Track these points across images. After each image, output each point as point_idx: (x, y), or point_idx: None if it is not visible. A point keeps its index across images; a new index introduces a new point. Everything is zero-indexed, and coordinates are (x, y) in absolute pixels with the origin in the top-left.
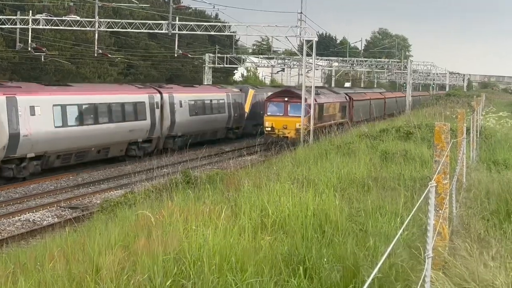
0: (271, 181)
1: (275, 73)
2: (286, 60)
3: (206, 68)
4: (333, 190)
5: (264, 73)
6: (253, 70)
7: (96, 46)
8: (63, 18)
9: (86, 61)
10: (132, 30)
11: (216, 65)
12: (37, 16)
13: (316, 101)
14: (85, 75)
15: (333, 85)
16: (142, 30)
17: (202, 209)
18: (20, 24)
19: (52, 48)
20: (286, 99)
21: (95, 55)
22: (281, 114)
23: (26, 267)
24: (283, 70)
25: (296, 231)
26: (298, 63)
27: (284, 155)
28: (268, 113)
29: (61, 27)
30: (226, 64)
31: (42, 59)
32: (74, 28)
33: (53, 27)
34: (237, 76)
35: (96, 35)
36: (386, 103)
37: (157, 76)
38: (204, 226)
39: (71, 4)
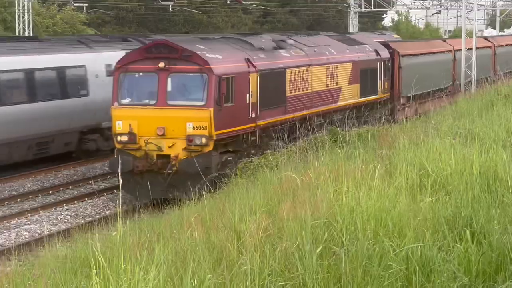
0: (430, 136)
1: (430, 16)
2: (442, 1)
3: (352, 13)
4: (501, 145)
5: (417, 17)
6: (404, 13)
7: None
8: None
9: (217, 10)
10: None
11: (363, 9)
12: None
13: (254, 66)
14: (217, 25)
15: (497, 28)
16: None
17: (353, 169)
18: None
19: None
20: (162, 64)
21: (228, 2)
22: (152, 102)
23: (162, 235)
24: (439, 12)
25: (460, 191)
26: (456, 4)
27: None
28: (122, 101)
29: None
30: (374, 8)
31: (170, 9)
32: None
33: None
34: (387, 21)
35: None
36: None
37: (296, 24)
38: (356, 188)
39: None
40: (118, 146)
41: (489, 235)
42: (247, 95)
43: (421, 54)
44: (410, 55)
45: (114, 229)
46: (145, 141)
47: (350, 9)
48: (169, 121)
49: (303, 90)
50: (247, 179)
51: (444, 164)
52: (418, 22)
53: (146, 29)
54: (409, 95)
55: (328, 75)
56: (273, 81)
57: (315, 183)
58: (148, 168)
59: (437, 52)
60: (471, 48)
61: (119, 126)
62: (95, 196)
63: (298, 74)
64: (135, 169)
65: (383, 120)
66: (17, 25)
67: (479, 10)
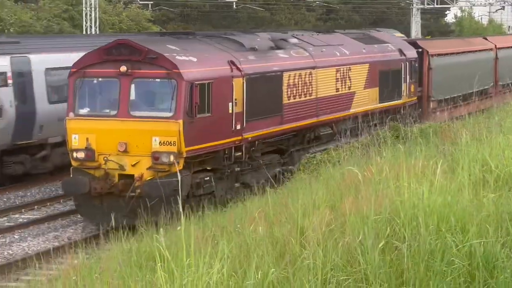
0: (493, 132)
1: (493, 12)
2: None
3: (414, 9)
4: None
5: (480, 13)
6: (467, 10)
7: None
8: None
9: (281, 7)
10: None
11: (426, 5)
12: None
13: (239, 70)
14: (280, 22)
15: None
16: None
17: (414, 164)
18: None
19: None
20: (124, 67)
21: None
22: (113, 113)
23: (226, 230)
24: (502, 8)
25: None
26: None
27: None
28: (79, 111)
29: None
30: (437, 4)
31: (234, 6)
32: None
33: None
34: (450, 18)
35: None
36: None
37: (359, 21)
38: (418, 183)
39: None
40: (74, 164)
41: None
42: (230, 103)
43: (455, 53)
44: (442, 54)
45: (179, 224)
46: (105, 158)
47: (412, 5)
48: (132, 135)
49: (305, 97)
50: (310, 174)
51: (507, 160)
52: (481, 19)
53: (210, 26)
54: (440, 98)
55: (338, 79)
56: (265, 86)
57: (377, 178)
58: (108, 190)
59: (475, 51)
60: None
61: (75, 140)
62: None
63: (298, 78)
64: (93, 191)
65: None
66: (84, 22)
67: None
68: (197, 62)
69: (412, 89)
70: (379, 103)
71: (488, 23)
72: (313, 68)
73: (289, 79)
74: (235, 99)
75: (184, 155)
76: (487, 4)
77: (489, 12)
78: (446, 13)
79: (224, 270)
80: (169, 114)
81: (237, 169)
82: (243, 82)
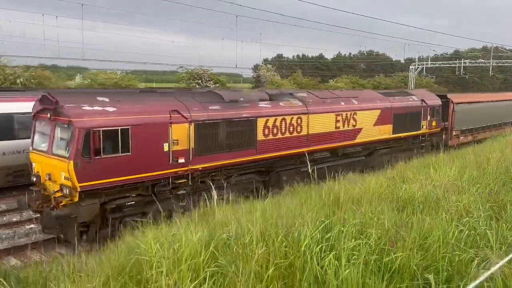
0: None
1: None
2: None
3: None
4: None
5: None
6: None
7: (490, 72)
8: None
9: (485, 77)
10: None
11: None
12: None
13: (185, 118)
14: (485, 85)
15: None
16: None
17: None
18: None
19: (471, 72)
20: (48, 115)
21: (490, 75)
22: (46, 149)
23: (433, 166)
24: None
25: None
26: None
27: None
28: (33, 146)
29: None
30: None
31: (467, 78)
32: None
33: (441, 66)
34: None
35: (491, 69)
36: None
37: (488, 85)
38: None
39: (480, 54)
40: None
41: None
42: (165, 143)
43: (474, 102)
44: (463, 102)
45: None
46: (43, 183)
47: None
48: (53, 169)
49: (291, 134)
50: (448, 154)
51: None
52: None
53: (461, 88)
54: (462, 129)
55: (339, 120)
56: (229, 128)
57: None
58: (41, 208)
59: (496, 101)
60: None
61: (33, 167)
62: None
63: (281, 121)
64: (32, 208)
65: (440, 145)
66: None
67: None
68: (114, 111)
69: (434, 124)
70: (392, 134)
71: None
72: (305, 113)
73: (266, 122)
74: (175, 140)
75: (78, 189)
76: None
77: None
78: None
79: (456, 171)
80: (66, 155)
81: (183, 191)
82: (189, 126)
